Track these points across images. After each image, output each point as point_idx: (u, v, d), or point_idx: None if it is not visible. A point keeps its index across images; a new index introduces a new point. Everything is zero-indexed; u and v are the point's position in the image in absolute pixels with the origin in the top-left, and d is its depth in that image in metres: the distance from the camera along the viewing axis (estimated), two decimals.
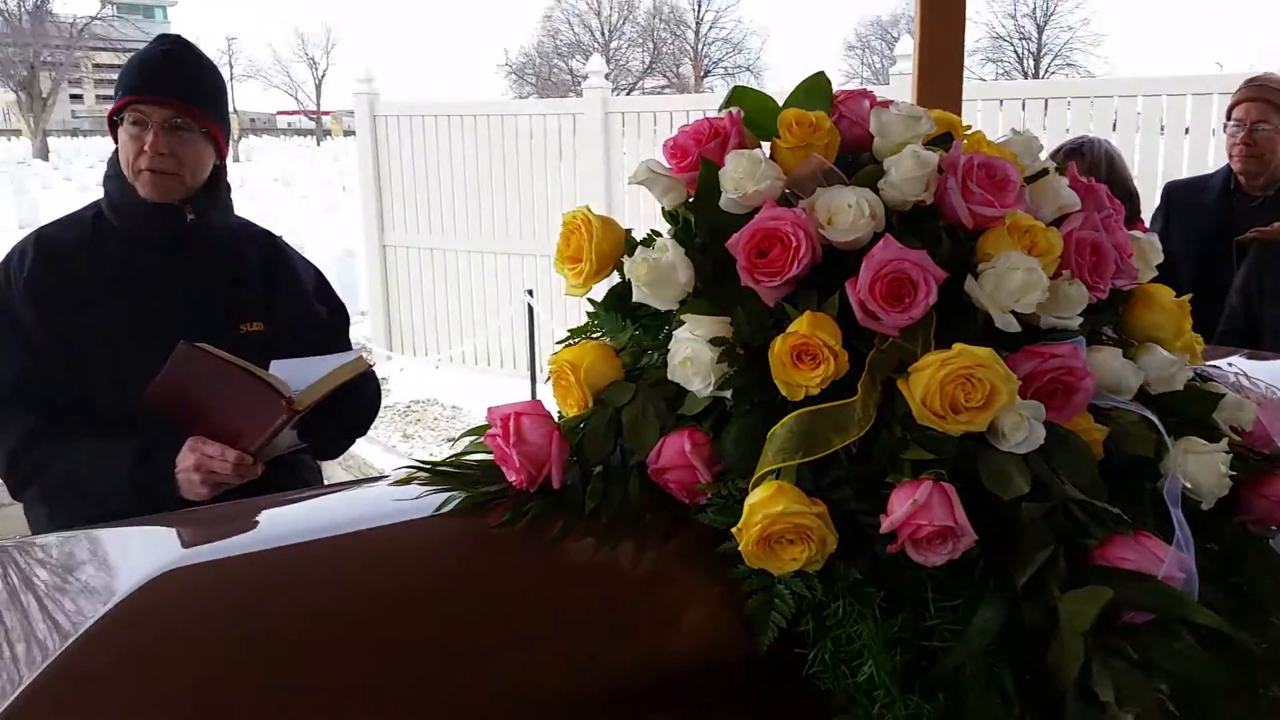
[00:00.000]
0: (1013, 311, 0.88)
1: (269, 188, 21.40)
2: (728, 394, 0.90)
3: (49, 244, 1.74)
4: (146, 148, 1.69)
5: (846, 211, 0.89)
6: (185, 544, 0.89)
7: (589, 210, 1.04)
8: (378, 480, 1.04)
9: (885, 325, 0.85)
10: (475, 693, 0.78)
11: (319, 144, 48.33)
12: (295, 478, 1.83)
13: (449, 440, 5.92)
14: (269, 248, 1.94)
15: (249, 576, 0.83)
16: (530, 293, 6.26)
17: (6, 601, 0.88)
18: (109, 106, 1.79)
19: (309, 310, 1.94)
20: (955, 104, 1.68)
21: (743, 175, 0.93)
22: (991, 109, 6.29)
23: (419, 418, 6.37)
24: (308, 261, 2.04)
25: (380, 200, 7.72)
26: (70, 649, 0.72)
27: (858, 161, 1.00)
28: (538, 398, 1.01)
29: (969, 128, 1.09)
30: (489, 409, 0.98)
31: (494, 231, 7.28)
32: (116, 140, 1.75)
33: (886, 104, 1.02)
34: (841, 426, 0.83)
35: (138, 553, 0.90)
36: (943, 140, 1.03)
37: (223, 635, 0.76)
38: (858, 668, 0.82)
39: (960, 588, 0.83)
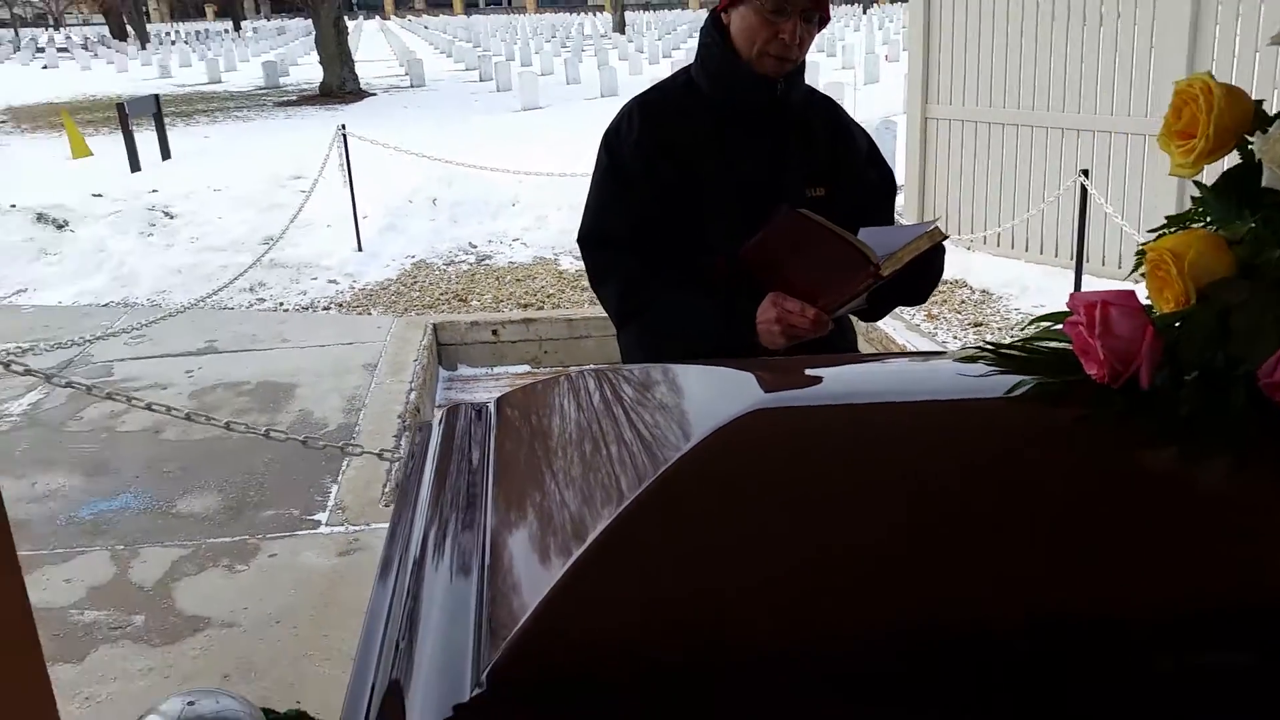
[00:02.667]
0: None
1: (813, 57, 21.78)
2: None
3: (650, 109, 1.93)
4: (785, 36, 1.79)
5: None
6: (774, 387, 0.97)
7: (1210, 77, 0.91)
8: (941, 355, 1.04)
9: None
10: (1022, 589, 0.75)
11: (864, 11, 47.86)
12: (841, 338, 1.90)
13: (974, 325, 5.74)
14: (830, 114, 1.99)
15: (830, 426, 0.88)
16: (1085, 173, 5.71)
17: (604, 412, 1.03)
18: None
19: (864, 175, 1.98)
20: None
21: None
22: None
23: (945, 299, 6.22)
24: (861, 127, 2.06)
25: (926, 69, 7.46)
26: (671, 470, 0.81)
27: None
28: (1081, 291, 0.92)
29: None
30: (1071, 295, 0.92)
31: (1047, 104, 6.69)
32: (727, 11, 1.85)
33: None
34: None
35: (725, 389, 0.99)
36: None
37: (804, 476, 0.81)
38: None
39: None
